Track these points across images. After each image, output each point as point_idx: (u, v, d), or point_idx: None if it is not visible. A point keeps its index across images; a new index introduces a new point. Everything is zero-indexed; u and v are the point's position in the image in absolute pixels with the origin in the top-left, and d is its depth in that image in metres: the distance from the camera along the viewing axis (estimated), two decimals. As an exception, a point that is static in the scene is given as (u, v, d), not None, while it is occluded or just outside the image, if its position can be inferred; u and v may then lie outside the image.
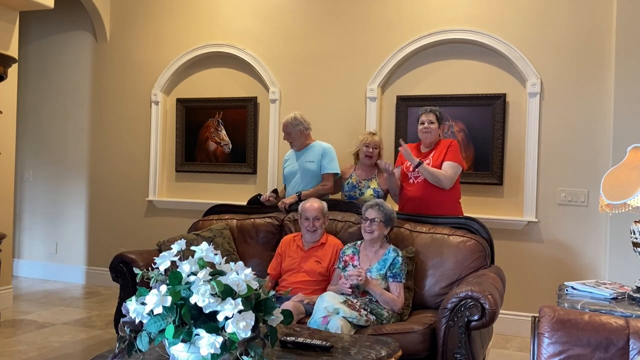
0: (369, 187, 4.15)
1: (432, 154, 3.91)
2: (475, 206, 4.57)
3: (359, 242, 3.49)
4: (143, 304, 1.92)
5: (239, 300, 1.89)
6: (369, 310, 3.08)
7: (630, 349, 1.92)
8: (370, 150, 4.18)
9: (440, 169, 3.82)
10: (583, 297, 2.70)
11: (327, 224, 3.77)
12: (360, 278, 3.13)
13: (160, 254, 2.06)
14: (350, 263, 3.39)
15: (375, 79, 4.91)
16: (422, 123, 3.92)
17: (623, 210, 2.64)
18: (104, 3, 5.84)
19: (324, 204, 3.74)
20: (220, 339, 1.85)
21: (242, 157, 5.42)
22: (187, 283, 1.93)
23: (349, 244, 3.52)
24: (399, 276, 3.25)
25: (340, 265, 3.42)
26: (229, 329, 1.85)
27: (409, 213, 3.87)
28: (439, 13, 4.75)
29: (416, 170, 3.83)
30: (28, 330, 4.39)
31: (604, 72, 4.30)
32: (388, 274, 3.27)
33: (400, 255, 3.32)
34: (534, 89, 4.47)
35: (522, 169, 4.51)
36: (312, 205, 3.65)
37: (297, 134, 4.29)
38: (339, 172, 4.28)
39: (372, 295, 3.19)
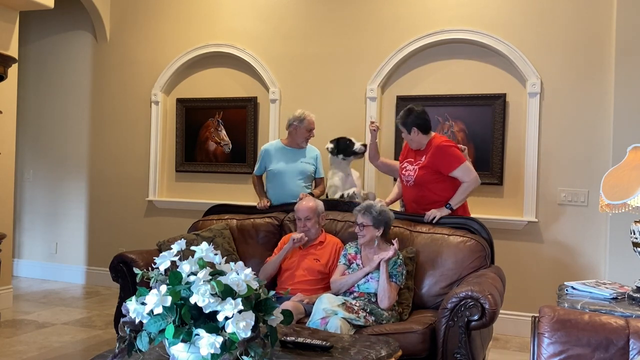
0: None
1: (423, 157, 3.75)
2: (475, 206, 4.56)
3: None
4: (143, 304, 1.92)
5: (239, 300, 1.89)
6: (368, 310, 3.08)
7: (630, 349, 1.92)
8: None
9: (428, 175, 3.71)
10: (583, 297, 2.70)
11: (325, 223, 3.77)
12: (391, 255, 3.18)
13: (160, 254, 2.06)
14: (354, 262, 3.40)
15: (375, 79, 4.91)
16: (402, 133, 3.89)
17: (623, 210, 2.64)
18: (104, 3, 5.84)
19: (318, 203, 3.72)
20: (220, 339, 1.85)
21: (242, 157, 5.42)
22: (187, 283, 1.94)
23: (351, 243, 3.52)
24: (394, 276, 3.25)
25: (347, 263, 3.42)
26: (229, 329, 1.85)
27: (408, 213, 3.87)
28: (438, 13, 4.75)
29: (411, 175, 3.79)
30: (28, 330, 4.39)
31: (604, 72, 4.30)
32: None
33: (400, 257, 3.32)
34: (534, 89, 4.47)
35: (522, 169, 4.51)
36: (306, 205, 3.66)
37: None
38: None
39: (378, 274, 3.21)
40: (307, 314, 3.16)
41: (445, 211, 3.69)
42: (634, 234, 2.69)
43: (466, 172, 3.69)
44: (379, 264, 3.20)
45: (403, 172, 3.87)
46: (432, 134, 3.82)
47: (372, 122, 4.14)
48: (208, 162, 5.57)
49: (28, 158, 6.32)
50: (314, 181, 4.43)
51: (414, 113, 3.74)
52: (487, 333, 3.29)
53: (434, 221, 3.68)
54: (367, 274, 3.26)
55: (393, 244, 3.24)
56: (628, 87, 4.13)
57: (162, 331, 1.89)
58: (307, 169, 4.29)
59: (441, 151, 3.69)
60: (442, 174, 3.71)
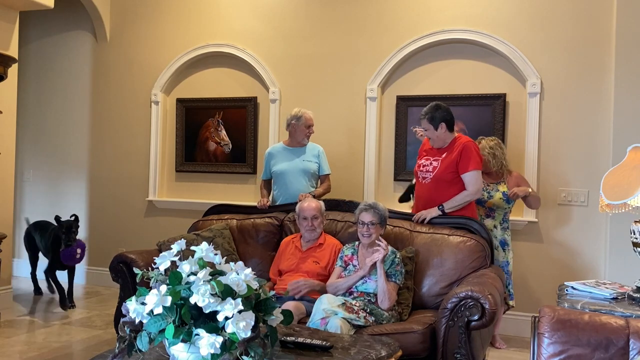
0: (498, 190, 4.07)
1: (444, 154, 3.69)
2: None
3: (357, 243, 3.48)
4: (143, 304, 1.92)
5: (239, 300, 1.89)
6: (368, 310, 3.08)
7: (630, 349, 1.92)
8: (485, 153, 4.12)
9: (448, 170, 3.65)
10: (583, 297, 2.70)
11: (326, 223, 3.77)
12: (384, 253, 3.16)
13: (160, 254, 2.07)
14: (350, 263, 3.39)
15: (375, 79, 4.91)
16: (425, 130, 3.79)
17: (623, 210, 2.64)
18: (104, 3, 5.84)
19: (322, 204, 3.74)
20: (220, 339, 1.85)
21: (242, 157, 5.42)
22: (187, 283, 1.94)
23: (348, 245, 3.52)
24: (393, 276, 3.25)
25: (343, 265, 3.42)
26: (229, 329, 1.85)
27: (408, 213, 3.86)
28: (439, 13, 4.75)
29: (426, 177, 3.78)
30: (28, 330, 4.39)
31: (604, 72, 4.30)
32: None
33: (398, 256, 3.32)
34: (534, 89, 4.47)
35: (522, 169, 4.50)
36: (310, 205, 3.65)
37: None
38: None
39: (376, 276, 3.19)
40: (308, 314, 3.16)
41: (435, 212, 3.66)
42: (634, 234, 2.69)
43: (475, 180, 3.64)
44: (372, 266, 3.20)
45: (420, 169, 3.80)
46: (456, 133, 3.78)
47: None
48: (208, 162, 5.57)
49: (28, 158, 6.32)
50: (319, 179, 4.43)
51: (442, 108, 3.69)
52: (487, 333, 3.29)
53: (424, 222, 3.67)
54: (362, 278, 3.25)
55: (380, 244, 3.21)
56: (628, 87, 4.13)
57: (162, 331, 1.89)
58: (309, 167, 4.30)
59: (467, 149, 3.63)
60: (458, 174, 3.66)
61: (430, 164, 3.74)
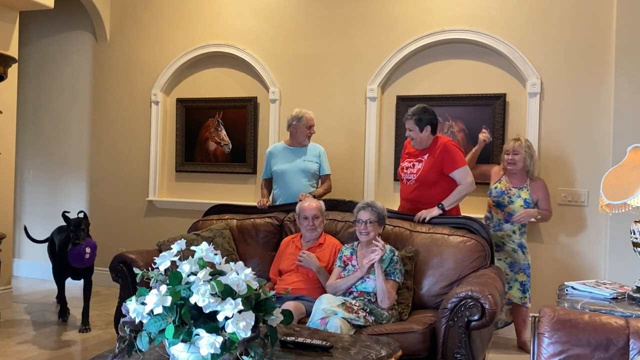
0: (520, 196, 4.06)
1: (426, 155, 3.78)
2: (476, 206, 4.56)
3: (356, 243, 3.49)
4: (143, 304, 1.92)
5: (239, 300, 1.89)
6: (368, 310, 3.08)
7: (630, 349, 1.92)
8: (511, 157, 4.07)
9: (432, 171, 3.73)
10: (583, 297, 2.70)
11: (326, 223, 3.78)
12: (381, 253, 3.16)
13: (160, 254, 2.07)
14: (349, 263, 3.39)
15: (375, 79, 4.91)
16: (409, 130, 3.83)
17: (623, 210, 2.64)
18: (104, 3, 5.84)
19: (322, 203, 3.74)
20: (220, 339, 1.85)
21: (242, 157, 5.42)
22: (187, 283, 1.94)
23: (346, 245, 3.53)
24: (392, 274, 3.25)
25: (342, 265, 3.42)
26: (229, 329, 1.85)
27: (408, 213, 3.87)
28: (438, 13, 4.75)
29: (411, 176, 3.82)
30: (28, 330, 4.39)
31: (604, 72, 4.30)
32: None
33: (397, 255, 3.32)
34: (534, 89, 4.47)
35: (522, 169, 4.50)
36: (311, 204, 3.66)
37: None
38: None
39: (375, 275, 3.19)
40: (308, 314, 3.16)
41: (435, 211, 3.69)
42: (634, 234, 2.69)
43: (466, 174, 3.74)
44: (370, 267, 3.20)
45: (403, 171, 3.88)
46: (436, 134, 3.87)
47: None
48: (208, 162, 5.57)
49: (28, 158, 6.32)
50: (319, 179, 4.43)
51: (430, 112, 3.78)
52: (487, 333, 3.29)
53: (425, 221, 3.69)
54: (361, 278, 3.26)
55: (377, 244, 3.21)
56: (628, 87, 4.13)
57: (162, 331, 1.89)
58: (309, 167, 4.30)
59: (448, 149, 3.73)
60: (443, 174, 3.73)
61: (414, 165, 3.83)
